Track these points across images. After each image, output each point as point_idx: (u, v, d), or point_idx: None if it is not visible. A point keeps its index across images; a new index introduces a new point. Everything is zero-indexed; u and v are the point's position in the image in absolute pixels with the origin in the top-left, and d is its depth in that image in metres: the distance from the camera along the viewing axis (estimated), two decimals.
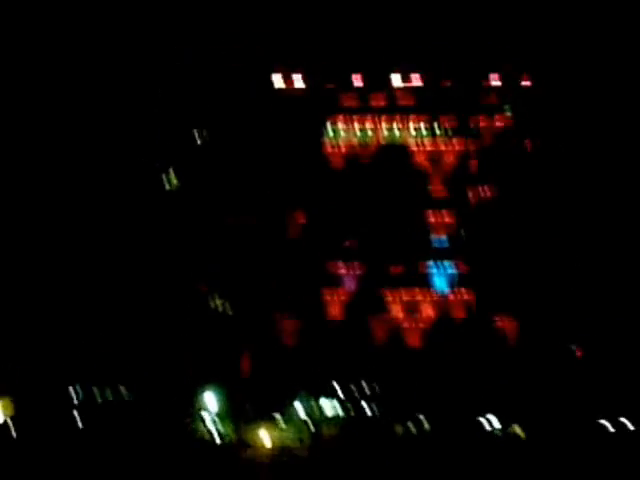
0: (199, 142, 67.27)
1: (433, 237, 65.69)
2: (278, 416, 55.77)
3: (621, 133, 59.67)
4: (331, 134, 68.68)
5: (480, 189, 65.76)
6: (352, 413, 57.49)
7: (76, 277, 55.39)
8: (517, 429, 54.87)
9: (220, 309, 62.13)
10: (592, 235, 58.53)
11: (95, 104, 59.64)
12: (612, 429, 53.53)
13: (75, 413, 51.82)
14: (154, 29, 62.22)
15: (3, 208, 55.44)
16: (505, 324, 59.35)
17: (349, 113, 69.23)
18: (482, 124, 66.83)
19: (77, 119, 58.72)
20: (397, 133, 68.55)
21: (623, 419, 53.80)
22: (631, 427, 53.32)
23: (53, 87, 58.32)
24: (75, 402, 53.68)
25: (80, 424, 50.81)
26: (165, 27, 63.00)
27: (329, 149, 68.36)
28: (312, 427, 56.54)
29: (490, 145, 66.74)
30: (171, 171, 65.76)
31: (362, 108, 69.32)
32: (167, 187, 65.08)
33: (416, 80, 69.16)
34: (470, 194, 66.11)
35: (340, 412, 57.86)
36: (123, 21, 61.12)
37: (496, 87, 67.44)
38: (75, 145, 58.46)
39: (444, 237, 65.70)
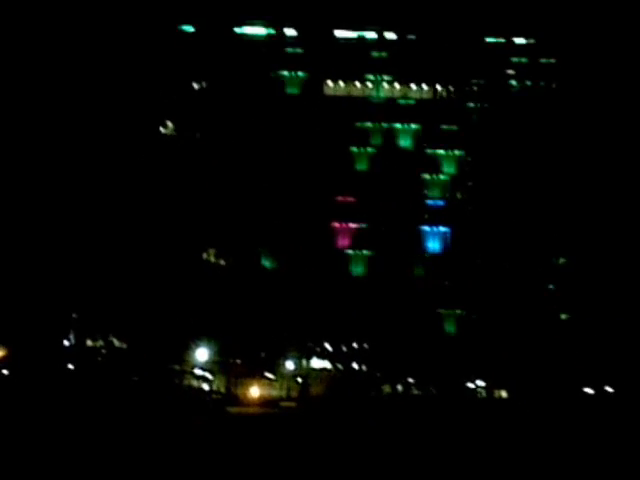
0: (198, 94, 66.89)
1: (428, 200, 66.00)
2: (268, 372, 56.65)
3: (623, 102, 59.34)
4: (328, 89, 68.32)
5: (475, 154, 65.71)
6: (341, 371, 58.43)
7: (72, 228, 55.35)
8: (502, 393, 56.04)
9: (213, 263, 62.49)
10: (582, 205, 58.69)
11: (96, 57, 58.88)
12: (593, 395, 54.68)
13: (68, 362, 52.44)
14: None
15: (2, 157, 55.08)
16: (495, 290, 60.04)
17: (345, 71, 68.95)
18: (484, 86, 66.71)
19: (79, 72, 58.07)
20: (395, 90, 68.20)
21: (606, 386, 54.95)
22: (611, 392, 54.50)
23: (53, 41, 57.49)
24: (68, 350, 54.33)
25: (72, 373, 51.41)
26: None
27: (323, 105, 68.15)
28: (300, 383, 57.49)
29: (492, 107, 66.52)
30: (169, 121, 65.46)
31: (361, 66, 69.06)
32: (164, 132, 64.96)
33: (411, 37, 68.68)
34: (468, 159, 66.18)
35: (329, 369, 58.77)
36: None
37: (499, 46, 67.05)
38: (75, 98, 57.90)
39: (439, 200, 66.01)
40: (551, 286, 58.63)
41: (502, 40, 66.46)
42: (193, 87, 66.71)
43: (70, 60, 57.92)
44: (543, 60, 65.09)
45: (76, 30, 58.11)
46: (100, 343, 55.65)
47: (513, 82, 66.37)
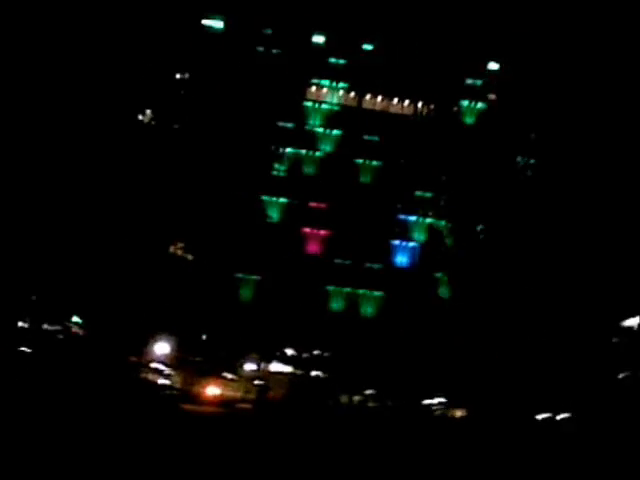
0: (178, 84, 66.30)
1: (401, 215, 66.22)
2: (226, 372, 56.15)
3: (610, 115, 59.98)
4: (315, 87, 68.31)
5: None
6: (300, 377, 58.20)
7: (33, 209, 54.13)
8: (458, 412, 56.25)
9: (180, 256, 61.82)
10: (569, 203, 58.98)
11: (74, 44, 57.90)
12: (550, 419, 55.19)
13: (25, 347, 51.25)
14: None
15: None
16: (461, 306, 60.33)
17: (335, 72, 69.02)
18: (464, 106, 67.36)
19: (57, 58, 57.04)
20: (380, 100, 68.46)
21: (563, 413, 55.51)
22: (566, 418, 55.07)
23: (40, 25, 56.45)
24: (24, 333, 53.11)
25: (27, 356, 50.27)
26: None
27: (309, 97, 68.16)
28: (259, 385, 57.11)
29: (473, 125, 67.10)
30: (148, 111, 64.72)
31: (350, 71, 69.18)
32: (145, 122, 64.25)
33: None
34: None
35: (288, 374, 58.52)
36: None
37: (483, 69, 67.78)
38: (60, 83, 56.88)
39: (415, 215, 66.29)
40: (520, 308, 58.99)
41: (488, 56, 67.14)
42: (174, 76, 66.14)
43: (48, 46, 56.85)
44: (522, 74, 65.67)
45: (56, 16, 57.05)
46: (57, 327, 54.44)
47: (491, 97, 67.12)
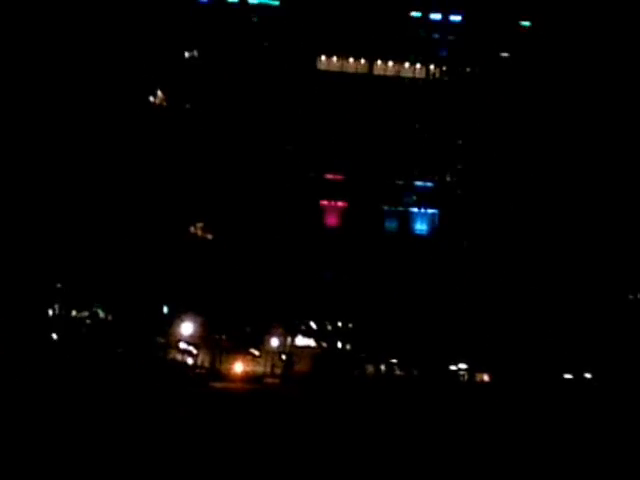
0: (190, 63, 66.01)
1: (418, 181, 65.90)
2: (252, 349, 56.78)
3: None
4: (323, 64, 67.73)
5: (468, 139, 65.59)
6: (325, 350, 58.67)
7: (58, 198, 54.68)
8: (484, 377, 56.58)
9: (201, 236, 62.18)
10: (570, 188, 58.88)
11: (84, 25, 57.81)
12: (574, 381, 55.42)
13: (52, 332, 52.24)
14: None
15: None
16: (482, 274, 60.30)
17: (343, 46, 68.28)
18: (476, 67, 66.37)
19: (65, 39, 57.00)
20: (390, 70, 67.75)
21: (586, 374, 55.68)
22: (592, 379, 55.30)
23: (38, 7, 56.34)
24: (52, 320, 54.07)
25: (56, 343, 51.26)
26: None
27: (319, 76, 67.66)
28: (285, 360, 57.73)
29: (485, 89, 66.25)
30: (158, 91, 64.64)
31: (358, 44, 68.40)
32: (154, 102, 64.21)
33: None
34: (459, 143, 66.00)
35: (313, 347, 59.00)
36: None
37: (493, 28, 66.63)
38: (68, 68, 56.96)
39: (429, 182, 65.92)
40: (536, 270, 58.94)
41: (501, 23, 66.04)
42: (184, 56, 65.82)
43: (56, 27, 56.79)
44: (541, 45, 64.68)
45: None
46: (85, 314, 55.34)
47: (509, 66, 66.13)
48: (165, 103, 64.54)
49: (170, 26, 62.69)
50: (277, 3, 66.88)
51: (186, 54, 66.23)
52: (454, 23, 66.65)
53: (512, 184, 61.42)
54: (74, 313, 54.75)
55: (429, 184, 65.23)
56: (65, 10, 56.57)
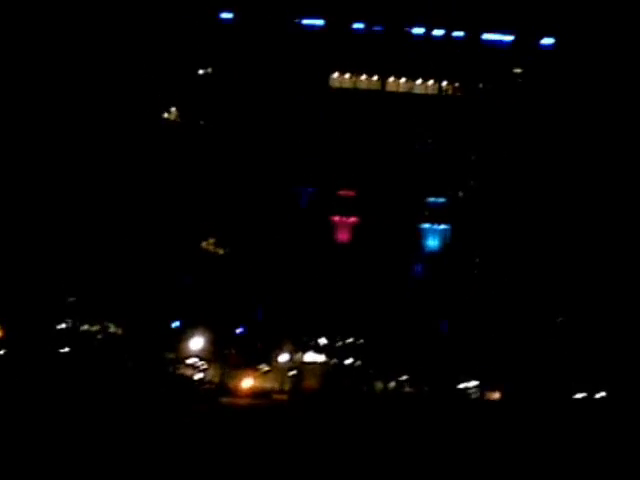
0: (202, 80, 66.63)
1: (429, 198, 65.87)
2: (262, 364, 56.73)
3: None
4: (335, 80, 68.13)
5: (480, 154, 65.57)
6: (334, 366, 58.46)
7: (70, 211, 55.25)
8: (495, 395, 56.12)
9: (212, 251, 62.43)
10: (586, 205, 58.65)
11: (97, 39, 58.57)
12: (585, 399, 54.89)
13: (62, 345, 52.53)
14: None
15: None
16: (492, 290, 60.03)
17: (355, 61, 68.68)
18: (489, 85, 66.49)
19: (83, 53, 57.79)
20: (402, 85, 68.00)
21: (599, 393, 55.10)
22: (604, 397, 54.73)
23: (50, 19, 57.16)
24: (63, 334, 54.41)
25: (66, 357, 51.54)
26: None
27: (332, 93, 68.05)
28: (293, 376, 57.57)
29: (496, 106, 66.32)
30: (173, 108, 65.30)
31: (370, 58, 68.77)
32: (167, 118, 64.80)
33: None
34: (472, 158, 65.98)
35: (322, 363, 58.83)
36: None
37: (508, 46, 66.81)
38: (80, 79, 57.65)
39: (441, 198, 65.87)
40: (548, 287, 58.62)
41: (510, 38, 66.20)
42: (198, 73, 66.45)
43: (69, 41, 57.56)
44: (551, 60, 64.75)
45: (75, 11, 57.67)
46: (95, 328, 55.67)
47: (520, 80, 66.16)
48: (179, 119, 65.14)
49: (184, 42, 63.38)
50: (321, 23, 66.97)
51: (200, 71, 66.83)
52: (466, 39, 66.90)
53: (524, 200, 61.27)
54: (85, 327, 55.10)
55: (441, 200, 65.17)
56: (81, 24, 57.39)
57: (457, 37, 66.59)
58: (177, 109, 65.16)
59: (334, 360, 58.54)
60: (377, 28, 67.40)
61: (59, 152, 55.32)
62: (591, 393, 55.17)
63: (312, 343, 59.03)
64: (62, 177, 55.24)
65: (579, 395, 54.90)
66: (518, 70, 66.30)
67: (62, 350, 51.68)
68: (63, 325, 54.98)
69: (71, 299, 54.78)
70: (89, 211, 55.41)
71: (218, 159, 63.22)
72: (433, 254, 63.85)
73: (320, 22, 66.92)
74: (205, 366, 55.86)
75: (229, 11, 67.31)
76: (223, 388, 53.63)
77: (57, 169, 55.08)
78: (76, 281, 54.48)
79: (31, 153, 54.75)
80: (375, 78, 67.89)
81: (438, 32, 66.83)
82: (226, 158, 63.32)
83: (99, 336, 54.99)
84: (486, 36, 66.30)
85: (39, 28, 56.48)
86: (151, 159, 60.55)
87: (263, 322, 57.24)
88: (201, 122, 65.49)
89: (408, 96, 67.21)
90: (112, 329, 55.37)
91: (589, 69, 61.30)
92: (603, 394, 55.18)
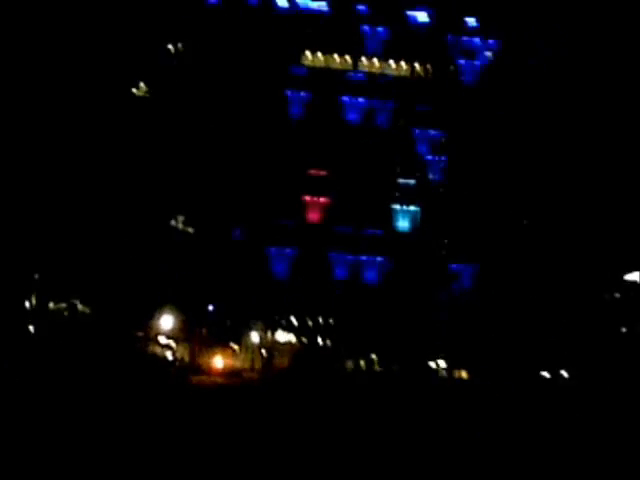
0: (173, 54, 65.61)
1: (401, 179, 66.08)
2: (232, 342, 56.66)
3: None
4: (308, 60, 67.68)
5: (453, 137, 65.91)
6: (305, 344, 58.74)
7: (35, 187, 54.09)
8: (463, 373, 56.92)
9: (182, 229, 61.90)
10: (559, 186, 59.31)
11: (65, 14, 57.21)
12: (549, 377, 55.93)
13: (29, 324, 51.68)
14: None
15: None
16: (460, 271, 60.65)
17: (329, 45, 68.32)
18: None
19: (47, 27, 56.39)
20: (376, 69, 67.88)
21: (562, 370, 56.19)
22: (566, 376, 55.84)
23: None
24: (29, 312, 53.50)
25: (33, 336, 50.75)
26: None
27: (304, 72, 67.62)
28: (264, 354, 57.67)
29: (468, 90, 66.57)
30: (142, 83, 64.17)
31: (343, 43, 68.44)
32: (137, 94, 63.80)
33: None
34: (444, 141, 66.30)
35: (293, 342, 59.03)
36: None
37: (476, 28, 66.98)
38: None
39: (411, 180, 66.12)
40: (515, 268, 59.37)
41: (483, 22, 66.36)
42: (168, 48, 65.37)
43: (38, 14, 56.14)
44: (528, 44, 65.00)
45: None
46: (62, 306, 54.83)
47: (491, 63, 66.38)
48: (148, 95, 64.11)
49: (155, 18, 62.24)
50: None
51: (170, 46, 65.76)
52: (430, 24, 66.91)
53: (497, 182, 61.77)
54: (52, 305, 54.25)
55: (411, 181, 65.43)
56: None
57: (432, 21, 66.65)
58: (146, 84, 64.13)
59: (305, 339, 58.74)
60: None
61: (24, 126, 54.01)
62: (557, 372, 56.24)
63: (283, 322, 59.11)
64: (26, 149, 53.96)
65: (546, 374, 55.91)
66: (489, 53, 66.60)
67: (28, 329, 50.83)
68: (28, 303, 53.98)
69: (37, 276, 53.76)
70: (55, 185, 54.29)
71: (188, 136, 62.48)
72: (403, 235, 64.21)
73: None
74: (175, 345, 55.58)
75: None
76: (193, 367, 53.45)
77: (19, 142, 53.77)
78: (42, 258, 53.47)
79: None
80: (347, 58, 67.69)
81: (413, 14, 66.85)
82: (196, 135, 62.62)
83: (66, 314, 54.15)
84: (458, 20, 66.55)
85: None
86: (118, 133, 59.54)
87: (233, 301, 57.06)
88: (170, 98, 64.56)
89: (380, 77, 67.19)
90: (80, 307, 54.59)
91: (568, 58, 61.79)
92: (569, 373, 56.30)
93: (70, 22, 57.17)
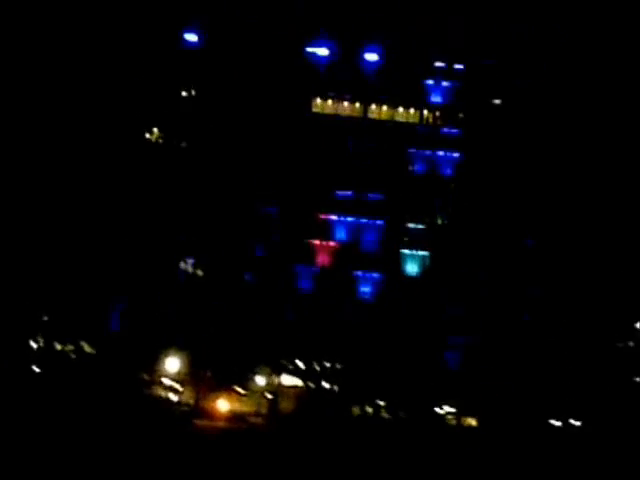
0: (186, 101, 66.86)
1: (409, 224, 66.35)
2: (237, 386, 56.18)
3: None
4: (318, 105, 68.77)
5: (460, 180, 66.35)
6: (312, 389, 58.13)
7: (45, 227, 54.69)
8: (472, 421, 56.08)
9: (190, 272, 62.05)
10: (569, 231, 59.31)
11: (84, 59, 58.72)
12: (560, 426, 55.03)
13: (35, 365, 51.61)
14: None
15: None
16: (472, 316, 60.29)
17: (339, 88, 69.45)
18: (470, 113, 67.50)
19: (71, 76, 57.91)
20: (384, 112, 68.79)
21: (572, 420, 55.31)
22: (578, 425, 54.93)
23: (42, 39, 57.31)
24: (36, 353, 53.49)
25: (39, 377, 50.61)
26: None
27: (314, 118, 68.56)
28: (270, 399, 57.10)
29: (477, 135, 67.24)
30: (155, 128, 65.30)
31: (355, 86, 69.58)
32: (150, 139, 64.81)
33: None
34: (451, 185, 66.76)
35: (299, 386, 58.47)
36: None
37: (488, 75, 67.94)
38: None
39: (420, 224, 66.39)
40: (527, 315, 59.01)
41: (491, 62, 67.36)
42: (181, 94, 66.67)
43: (57, 60, 57.62)
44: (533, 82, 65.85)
45: (66, 31, 57.88)
46: (69, 347, 54.82)
47: (500, 109, 67.21)
48: (161, 140, 65.18)
49: (165, 65, 63.67)
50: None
51: (183, 93, 67.07)
52: (451, 70, 68.01)
53: (503, 227, 61.96)
54: (58, 347, 54.25)
55: (420, 226, 65.67)
56: (65, 44, 57.48)
57: (439, 66, 67.77)
58: (159, 130, 65.23)
59: (311, 383, 58.18)
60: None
61: (41, 170, 54.99)
62: (567, 420, 55.37)
63: (289, 366, 58.68)
64: (41, 194, 54.79)
65: (555, 422, 55.04)
66: (497, 101, 67.53)
67: (35, 370, 50.73)
68: (35, 344, 54.03)
69: (45, 317, 53.93)
70: (63, 229, 54.89)
71: (200, 180, 63.21)
72: (412, 279, 64.13)
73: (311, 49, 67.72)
74: (180, 388, 55.19)
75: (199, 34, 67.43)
76: (198, 410, 52.95)
77: (36, 186, 54.67)
78: (49, 299, 53.71)
79: (18, 174, 54.37)
80: (357, 105, 68.71)
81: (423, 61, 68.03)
82: (208, 179, 63.33)
83: (72, 356, 54.09)
84: (462, 65, 67.63)
85: (27, 49, 56.59)
86: (132, 178, 60.37)
87: (239, 344, 56.81)
88: (183, 144, 65.58)
89: (389, 123, 68.03)
90: (86, 349, 54.53)
91: (568, 95, 62.53)
92: (578, 422, 55.40)
93: (88, 71, 58.63)
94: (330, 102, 68.62)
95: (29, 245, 52.81)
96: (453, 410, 56.27)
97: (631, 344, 56.59)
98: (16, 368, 48.66)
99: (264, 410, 56.29)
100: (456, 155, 66.14)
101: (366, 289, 63.34)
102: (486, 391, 55.19)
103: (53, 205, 55.23)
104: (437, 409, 56.27)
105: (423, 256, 64.87)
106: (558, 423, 55.20)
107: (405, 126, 67.51)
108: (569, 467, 36.91)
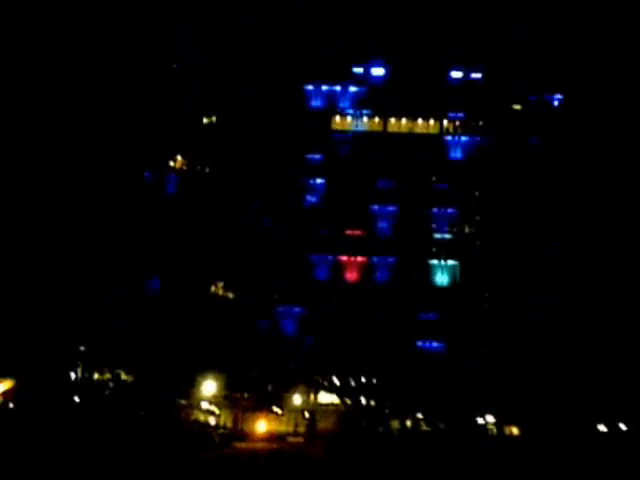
0: (207, 128, 67.55)
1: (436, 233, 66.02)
2: (275, 407, 56.09)
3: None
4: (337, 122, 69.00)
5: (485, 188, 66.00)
6: (349, 406, 57.79)
7: (81, 259, 55.47)
8: (513, 429, 55.19)
9: (221, 296, 62.33)
10: (591, 236, 58.65)
11: (107, 89, 59.73)
12: (606, 431, 53.85)
13: (74, 395, 52.09)
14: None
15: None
16: (505, 325, 59.63)
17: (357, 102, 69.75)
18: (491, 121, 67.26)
19: (85, 101, 58.84)
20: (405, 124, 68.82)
21: (619, 423, 54.12)
22: (624, 429, 53.71)
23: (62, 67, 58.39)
24: (74, 383, 54.04)
25: (79, 406, 51.04)
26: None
27: (335, 135, 68.82)
28: (308, 417, 56.87)
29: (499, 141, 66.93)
30: (178, 156, 66.06)
31: (373, 97, 69.81)
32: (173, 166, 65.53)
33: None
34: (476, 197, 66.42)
35: (336, 403, 58.13)
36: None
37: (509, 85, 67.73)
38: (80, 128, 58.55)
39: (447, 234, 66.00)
40: (562, 320, 58.18)
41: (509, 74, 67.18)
42: (202, 121, 67.42)
43: (80, 88, 58.63)
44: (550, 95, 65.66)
45: (86, 58, 58.95)
46: (107, 376, 55.32)
47: (520, 115, 66.89)
48: (185, 167, 65.88)
49: (187, 92, 64.51)
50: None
51: (205, 120, 67.81)
52: (469, 80, 67.95)
53: (530, 234, 61.47)
54: (96, 376, 54.77)
55: (447, 236, 65.32)
56: (90, 74, 58.54)
57: (457, 79, 67.76)
58: (183, 157, 65.97)
59: (348, 400, 57.83)
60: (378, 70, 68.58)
61: (67, 203, 55.90)
62: (612, 426, 54.17)
63: (325, 383, 58.44)
64: (71, 227, 55.69)
65: (600, 428, 53.89)
66: (517, 107, 67.19)
67: (73, 399, 51.20)
68: (74, 374, 54.63)
69: (82, 348, 54.57)
70: (99, 258, 55.66)
71: (224, 204, 63.70)
72: (443, 289, 63.69)
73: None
74: (218, 411, 55.26)
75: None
76: (237, 433, 52.91)
77: (66, 220, 55.58)
78: (86, 329, 54.36)
79: (41, 206, 55.30)
80: (377, 120, 68.83)
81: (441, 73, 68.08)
82: (232, 203, 63.82)
83: (111, 384, 54.56)
84: (481, 75, 67.51)
85: (42, 80, 57.67)
86: (158, 205, 61.09)
87: (273, 364, 56.79)
88: (206, 169, 66.20)
89: (409, 136, 68.03)
90: (124, 377, 54.98)
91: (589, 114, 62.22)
92: (624, 427, 54.18)
93: (110, 100, 59.58)
94: (349, 119, 68.96)
95: (65, 279, 53.68)
96: (493, 420, 55.45)
97: None
98: (58, 399, 49.18)
99: (302, 429, 56.08)
100: (479, 165, 65.95)
101: (398, 304, 62.99)
102: (528, 398, 54.34)
103: (85, 234, 56.09)
104: (478, 419, 55.50)
105: (453, 266, 64.49)
106: (604, 428, 54.05)
107: (426, 138, 67.60)
108: (612, 476, 36.02)
